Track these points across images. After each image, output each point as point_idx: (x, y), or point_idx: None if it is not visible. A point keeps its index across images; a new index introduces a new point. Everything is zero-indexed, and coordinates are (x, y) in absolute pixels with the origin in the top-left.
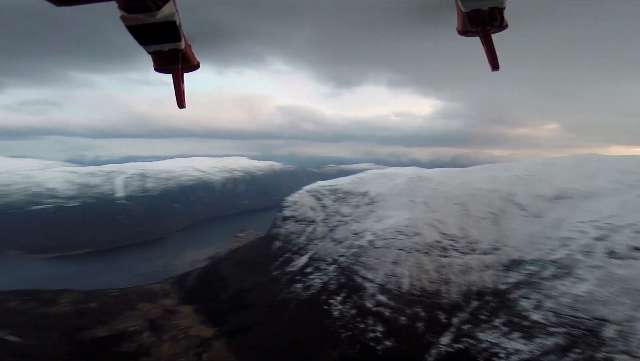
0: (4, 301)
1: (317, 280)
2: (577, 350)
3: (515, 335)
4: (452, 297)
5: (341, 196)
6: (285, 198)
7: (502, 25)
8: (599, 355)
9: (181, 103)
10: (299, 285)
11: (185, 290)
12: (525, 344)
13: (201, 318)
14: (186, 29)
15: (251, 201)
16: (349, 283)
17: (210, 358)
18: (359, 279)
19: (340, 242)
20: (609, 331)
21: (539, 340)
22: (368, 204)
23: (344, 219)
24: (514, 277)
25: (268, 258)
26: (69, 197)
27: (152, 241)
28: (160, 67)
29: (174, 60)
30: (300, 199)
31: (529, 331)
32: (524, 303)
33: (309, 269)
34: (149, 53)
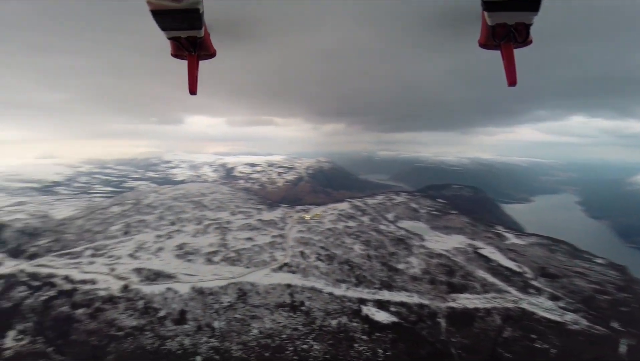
0: (542, 246)
1: None
2: None
3: None
4: None
5: None
6: None
7: (526, 41)
8: None
9: (193, 90)
10: None
11: None
12: None
13: None
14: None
15: None
16: None
17: None
18: None
19: None
20: None
21: None
22: None
23: None
24: None
25: None
26: None
27: None
28: (177, 53)
29: (192, 47)
30: None
31: None
32: None
33: None
34: (168, 38)
